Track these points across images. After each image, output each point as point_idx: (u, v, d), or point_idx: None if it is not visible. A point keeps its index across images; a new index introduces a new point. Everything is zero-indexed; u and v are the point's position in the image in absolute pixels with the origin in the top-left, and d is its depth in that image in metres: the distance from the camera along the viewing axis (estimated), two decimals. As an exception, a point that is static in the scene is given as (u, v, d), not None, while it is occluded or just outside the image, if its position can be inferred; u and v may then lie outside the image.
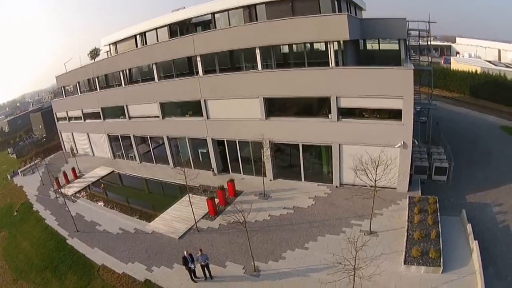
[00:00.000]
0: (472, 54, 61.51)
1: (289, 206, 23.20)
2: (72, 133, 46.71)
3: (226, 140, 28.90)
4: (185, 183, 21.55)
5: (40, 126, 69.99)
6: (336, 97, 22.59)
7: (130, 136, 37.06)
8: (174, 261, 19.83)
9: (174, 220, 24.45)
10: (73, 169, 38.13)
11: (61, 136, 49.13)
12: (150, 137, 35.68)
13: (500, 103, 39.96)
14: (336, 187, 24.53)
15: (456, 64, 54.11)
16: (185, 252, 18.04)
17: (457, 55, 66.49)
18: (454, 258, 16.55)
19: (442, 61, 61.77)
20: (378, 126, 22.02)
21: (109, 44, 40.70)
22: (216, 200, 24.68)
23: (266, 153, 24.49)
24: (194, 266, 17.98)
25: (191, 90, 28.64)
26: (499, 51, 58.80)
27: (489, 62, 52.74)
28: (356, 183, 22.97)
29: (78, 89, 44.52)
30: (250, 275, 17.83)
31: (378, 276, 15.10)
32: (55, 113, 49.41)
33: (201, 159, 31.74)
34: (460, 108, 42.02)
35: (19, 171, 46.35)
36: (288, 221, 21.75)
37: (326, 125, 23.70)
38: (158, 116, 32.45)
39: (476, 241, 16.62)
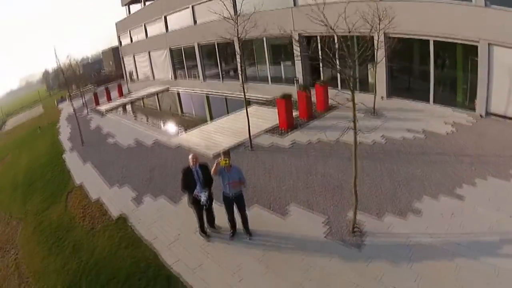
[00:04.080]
0: None
1: (417, 129, 13.14)
2: (133, 56, 40.83)
3: (319, 37, 18.16)
4: (244, 92, 12.85)
5: (110, 62, 65.73)
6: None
7: (195, 52, 28.41)
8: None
9: (217, 131, 15.35)
10: (120, 87, 32.81)
11: (123, 61, 43.89)
12: (220, 57, 26.64)
13: None
14: (481, 116, 13.95)
15: None
16: (190, 158, 7.61)
17: None
18: None
19: None
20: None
21: None
22: (295, 113, 15.30)
23: (380, 48, 14.10)
24: (207, 199, 7.51)
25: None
26: None
27: None
28: (510, 114, 13.05)
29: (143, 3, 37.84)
30: (341, 241, 7.24)
31: None
32: (118, 37, 44.26)
33: (283, 74, 22.36)
34: None
35: (67, 96, 42.62)
36: (419, 148, 11.64)
37: (470, 11, 13.11)
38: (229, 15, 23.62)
39: None
